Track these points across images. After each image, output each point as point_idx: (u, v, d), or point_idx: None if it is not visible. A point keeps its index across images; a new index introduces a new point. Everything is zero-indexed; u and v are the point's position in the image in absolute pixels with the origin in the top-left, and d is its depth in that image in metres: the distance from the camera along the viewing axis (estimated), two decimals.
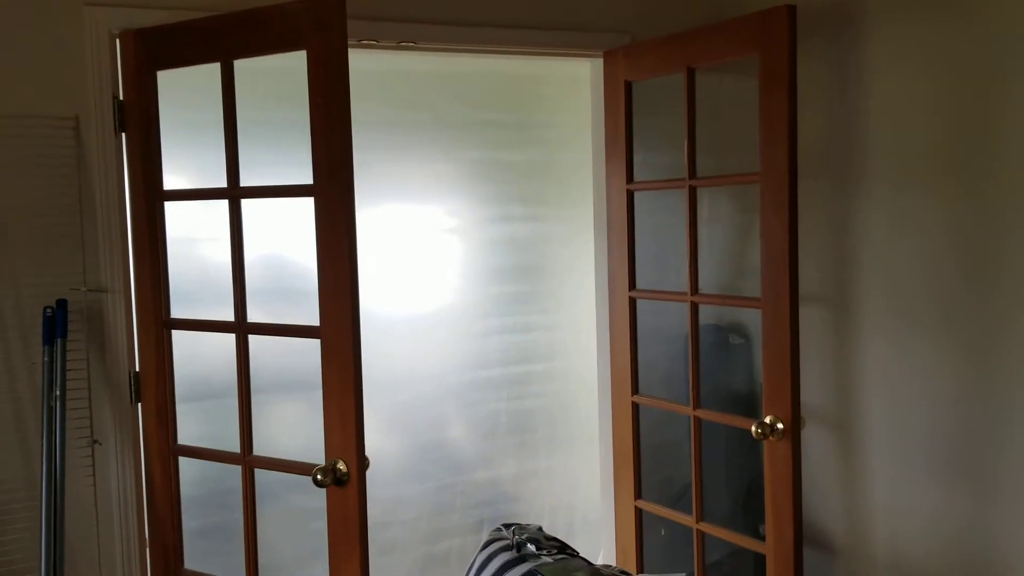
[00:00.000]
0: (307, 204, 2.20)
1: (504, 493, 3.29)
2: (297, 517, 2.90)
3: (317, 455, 2.23)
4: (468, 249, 3.28)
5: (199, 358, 2.71)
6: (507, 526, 1.99)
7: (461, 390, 3.25)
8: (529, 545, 1.85)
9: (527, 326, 3.35)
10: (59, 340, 2.30)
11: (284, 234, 2.91)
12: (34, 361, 2.34)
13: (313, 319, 2.20)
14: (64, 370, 2.29)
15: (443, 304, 3.24)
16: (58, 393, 2.27)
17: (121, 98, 2.41)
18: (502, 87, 3.36)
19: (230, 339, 2.36)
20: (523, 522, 2.21)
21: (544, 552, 1.81)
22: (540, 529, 1.96)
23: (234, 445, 2.37)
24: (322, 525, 2.23)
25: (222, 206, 2.36)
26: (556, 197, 3.42)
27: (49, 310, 2.31)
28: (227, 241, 2.34)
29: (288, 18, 2.17)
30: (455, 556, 3.18)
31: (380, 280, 3.14)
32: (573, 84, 3.31)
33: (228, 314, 2.36)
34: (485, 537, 1.96)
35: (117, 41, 2.40)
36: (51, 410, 2.27)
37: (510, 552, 1.82)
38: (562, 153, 3.42)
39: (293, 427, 2.91)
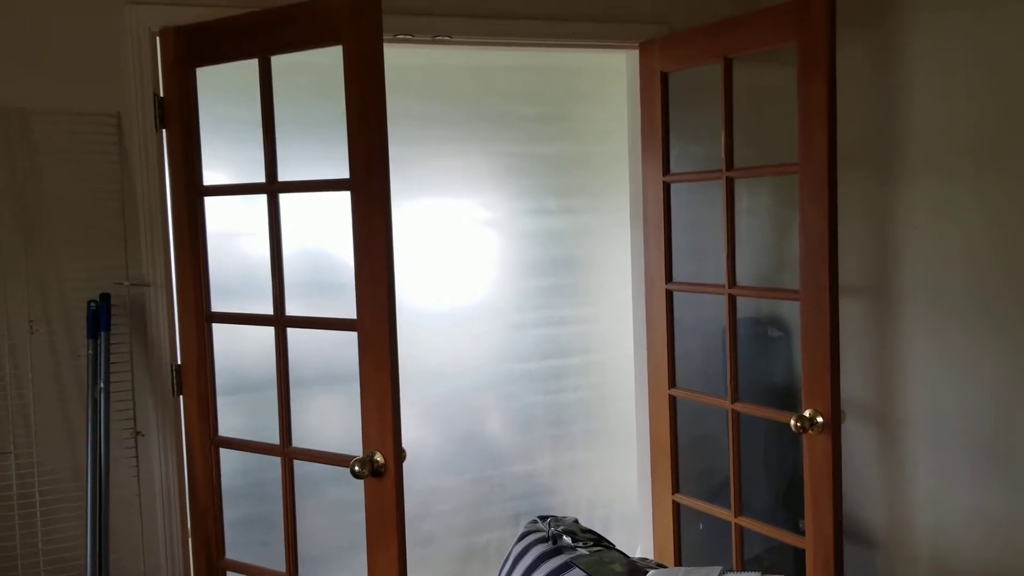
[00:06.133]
0: (344, 198, 2.21)
1: (541, 486, 3.29)
2: (336, 509, 2.93)
3: (355, 447, 2.25)
4: (504, 242, 3.28)
5: (238, 351, 2.74)
6: (543, 518, 1.99)
7: (498, 383, 3.25)
8: (565, 537, 1.85)
9: (563, 319, 3.34)
10: (103, 333, 2.34)
11: (321, 228, 2.93)
12: (79, 354, 2.39)
13: (350, 312, 2.22)
14: (108, 363, 2.33)
15: (479, 297, 3.25)
16: (102, 385, 2.31)
17: (161, 95, 2.45)
18: (537, 80, 3.35)
19: (269, 332, 2.38)
20: (560, 515, 2.21)
21: (580, 544, 1.80)
22: (576, 521, 1.95)
23: (273, 437, 2.40)
24: (361, 517, 2.24)
25: (260, 201, 2.38)
26: (592, 190, 3.40)
27: (93, 304, 2.35)
28: (265, 235, 2.37)
29: (324, 13, 2.18)
30: (493, 549, 3.19)
31: (416, 274, 3.16)
32: (608, 76, 3.30)
33: (267, 307, 2.39)
34: (521, 529, 1.96)
35: (157, 39, 2.44)
36: (95, 402, 2.31)
37: (546, 544, 1.82)
38: (598, 145, 3.40)
39: (331, 419, 2.94)
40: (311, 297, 2.87)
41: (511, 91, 3.30)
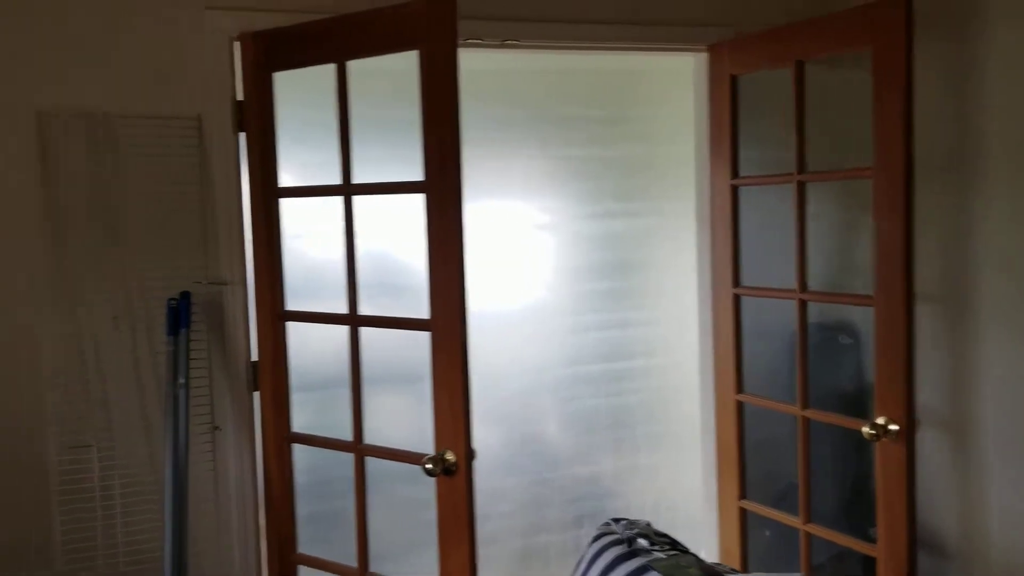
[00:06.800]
0: (407, 200, 2.25)
1: (604, 489, 3.29)
2: (401, 506, 2.96)
3: (418, 446, 2.28)
4: (563, 245, 3.28)
5: (303, 350, 2.78)
6: (616, 521, 1.99)
7: (558, 385, 3.26)
8: (640, 540, 1.85)
9: (626, 322, 3.34)
10: (183, 330, 2.40)
11: (384, 230, 2.97)
12: (159, 350, 2.45)
13: (413, 312, 2.26)
14: (188, 359, 2.39)
15: (539, 300, 3.26)
16: (182, 381, 2.37)
17: (240, 99, 2.51)
18: (599, 83, 3.35)
19: (332, 332, 2.42)
20: (632, 518, 2.22)
21: (656, 548, 1.81)
22: (649, 525, 1.96)
23: (337, 434, 2.44)
24: (426, 515, 2.27)
25: (323, 202, 2.43)
26: (654, 192, 3.40)
27: (173, 302, 2.41)
28: (327, 236, 2.41)
29: (401, 19, 2.21)
30: (554, 551, 3.20)
31: (474, 276, 3.17)
32: (672, 78, 3.29)
33: (327, 307, 2.43)
34: (594, 532, 1.97)
35: (236, 44, 2.50)
36: (175, 398, 2.37)
37: (621, 546, 1.83)
38: (660, 148, 3.39)
39: (394, 418, 2.97)
40: (373, 298, 2.90)
41: (573, 94, 3.31)
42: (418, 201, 2.24)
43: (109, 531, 2.43)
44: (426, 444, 2.28)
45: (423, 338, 2.25)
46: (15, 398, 2.35)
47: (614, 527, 1.95)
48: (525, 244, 3.25)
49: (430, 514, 2.28)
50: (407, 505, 2.94)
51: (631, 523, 1.92)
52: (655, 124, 3.40)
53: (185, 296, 2.43)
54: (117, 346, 2.43)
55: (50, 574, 2.39)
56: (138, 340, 2.45)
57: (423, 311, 2.25)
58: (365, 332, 2.41)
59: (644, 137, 3.39)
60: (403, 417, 2.97)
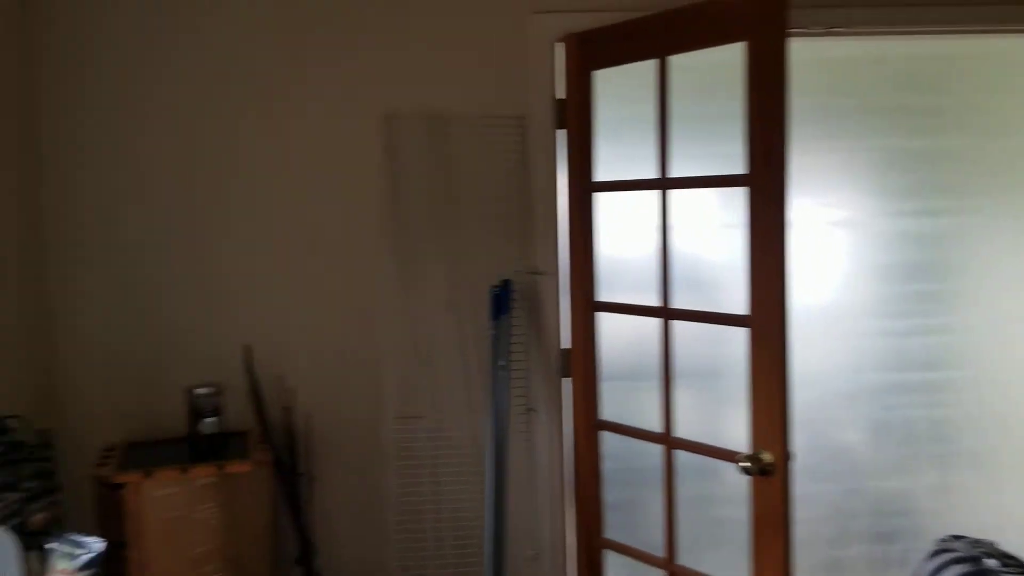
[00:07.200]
0: (698, 194, 2.23)
1: (918, 505, 3.06)
2: (695, 501, 2.94)
3: (715, 442, 2.28)
4: (867, 243, 3.08)
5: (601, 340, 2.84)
6: (956, 537, 1.86)
7: (866, 392, 3.07)
8: (987, 560, 1.71)
9: (943, 328, 3.08)
10: (503, 316, 2.55)
11: (678, 224, 2.95)
12: (483, 334, 2.62)
13: (710, 306, 2.31)
14: (508, 343, 2.54)
15: (843, 300, 3.08)
16: (503, 363, 2.52)
17: (559, 97, 2.61)
18: (921, 70, 3.11)
19: (626, 323, 2.49)
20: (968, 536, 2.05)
21: (1008, 571, 1.66)
22: (994, 545, 1.80)
23: (634, 425, 2.50)
24: (720, 511, 2.23)
25: (623, 196, 2.55)
26: (976, 188, 3.10)
27: (496, 289, 2.57)
28: (626, 230, 2.52)
29: (727, 12, 2.19)
30: (863, 563, 3.03)
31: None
32: (1006, 63, 2.98)
33: (623, 299, 2.52)
34: (933, 547, 1.85)
35: (556, 45, 2.60)
36: (496, 379, 2.53)
37: (965, 565, 1.70)
38: (988, 139, 3.09)
39: (689, 412, 2.95)
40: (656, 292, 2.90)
41: (888, 82, 3.09)
42: (712, 196, 2.24)
43: (435, 496, 2.65)
44: (723, 440, 2.28)
45: (719, 333, 2.25)
46: (360, 371, 2.63)
47: (955, 544, 1.81)
48: (824, 241, 3.10)
49: (724, 511, 2.26)
50: (701, 500, 2.92)
51: (975, 541, 1.78)
52: (982, 113, 3.10)
53: (506, 284, 2.58)
54: (446, 328, 2.63)
55: (385, 527, 2.64)
56: (464, 323, 2.64)
57: (721, 305, 2.26)
58: (649, 326, 2.43)
59: (968, 127, 3.10)
60: (698, 412, 2.95)
